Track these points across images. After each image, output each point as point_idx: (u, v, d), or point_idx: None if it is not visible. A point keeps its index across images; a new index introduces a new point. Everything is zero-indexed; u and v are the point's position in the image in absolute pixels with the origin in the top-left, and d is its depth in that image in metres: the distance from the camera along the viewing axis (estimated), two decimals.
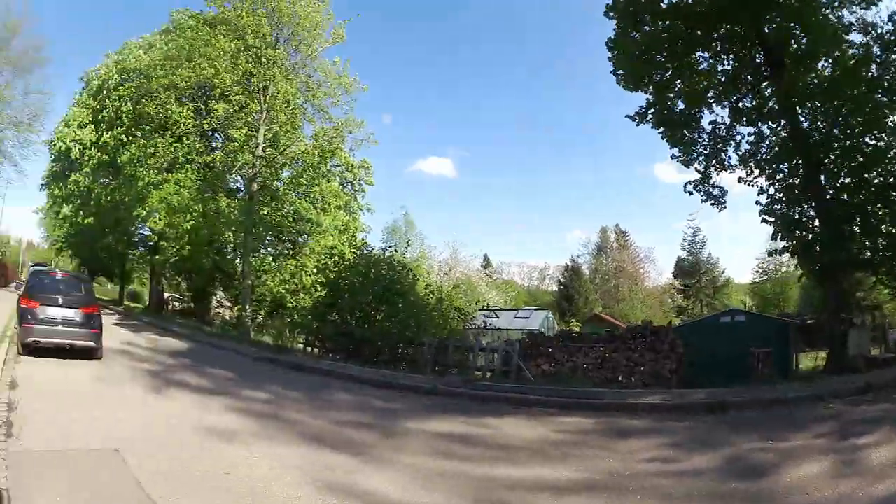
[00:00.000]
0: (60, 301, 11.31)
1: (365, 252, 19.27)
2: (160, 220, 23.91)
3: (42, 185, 32.20)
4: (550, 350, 14.11)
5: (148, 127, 24.78)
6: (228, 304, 35.38)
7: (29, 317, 11.01)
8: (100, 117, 28.49)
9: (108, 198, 28.48)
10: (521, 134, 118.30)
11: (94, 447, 5.99)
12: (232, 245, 26.24)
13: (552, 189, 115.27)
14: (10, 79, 27.41)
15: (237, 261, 28.12)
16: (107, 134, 27.25)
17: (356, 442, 7.09)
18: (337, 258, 19.68)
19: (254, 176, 22.38)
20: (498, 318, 19.35)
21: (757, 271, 52.03)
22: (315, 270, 24.78)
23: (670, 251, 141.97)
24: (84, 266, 52.07)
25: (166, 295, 39.05)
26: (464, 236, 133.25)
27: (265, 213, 23.40)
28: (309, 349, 18.64)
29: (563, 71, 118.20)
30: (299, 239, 27.54)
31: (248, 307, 22.63)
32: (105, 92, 28.44)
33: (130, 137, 25.92)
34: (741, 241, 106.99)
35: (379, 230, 47.52)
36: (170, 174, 24.28)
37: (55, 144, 29.63)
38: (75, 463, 5.39)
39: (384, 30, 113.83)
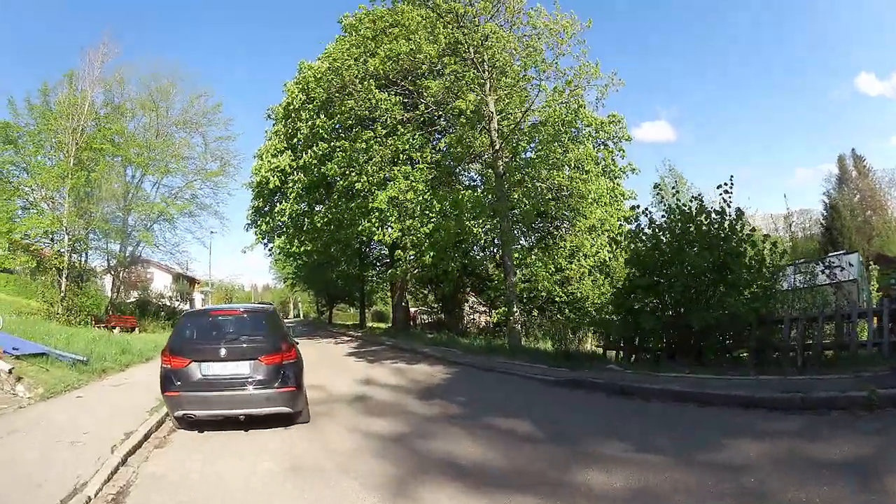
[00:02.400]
0: (223, 352, 7.11)
1: (681, 208, 12.84)
2: (392, 228, 20.61)
3: (247, 224, 30.35)
4: None
5: (351, 124, 21.65)
6: (483, 310, 31.73)
7: (175, 381, 7.00)
8: (294, 141, 26.33)
9: (325, 218, 26.14)
10: (718, 80, 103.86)
11: None
12: (482, 241, 22.19)
13: (766, 130, 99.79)
14: (185, 135, 27.43)
15: (486, 261, 24.90)
16: (306, 153, 24.87)
17: None
18: (646, 222, 13.57)
19: (496, 154, 17.75)
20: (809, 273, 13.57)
21: None
22: (603, 245, 21.07)
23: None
24: (321, 296, 54.04)
25: (412, 309, 36.77)
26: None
27: (519, 193, 19.00)
28: (608, 353, 13.63)
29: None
30: (560, 219, 22.60)
31: (514, 309, 17.60)
32: (293, 115, 26.43)
33: (334, 143, 23.32)
34: None
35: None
36: (394, 168, 20.64)
37: (252, 183, 28.20)
38: None
39: None
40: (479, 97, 17.51)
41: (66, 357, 11.95)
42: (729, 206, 11.83)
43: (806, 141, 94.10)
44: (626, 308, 12.65)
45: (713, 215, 11.90)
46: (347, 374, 12.72)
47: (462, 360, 14.95)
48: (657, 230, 12.50)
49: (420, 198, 19.29)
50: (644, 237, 12.67)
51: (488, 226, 19.28)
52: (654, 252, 12.26)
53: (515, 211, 18.65)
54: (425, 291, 34.86)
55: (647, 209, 13.14)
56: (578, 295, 21.77)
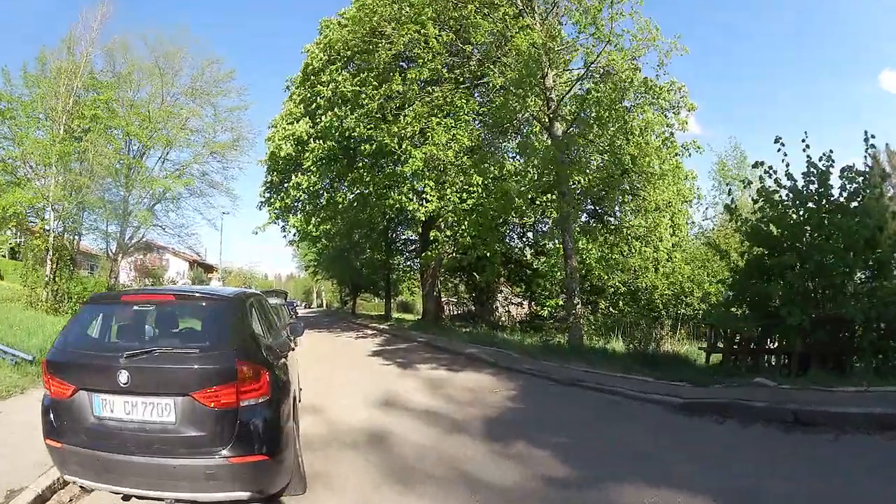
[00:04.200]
0: (124, 378, 3.51)
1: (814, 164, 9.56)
2: (430, 198, 18.07)
3: (260, 203, 27.14)
4: None
5: (382, 78, 18.69)
6: (518, 301, 29.08)
7: (55, 421, 3.71)
8: (313, 107, 23.42)
9: (348, 193, 23.37)
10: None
11: None
12: (529, 221, 19.74)
13: (798, 124, 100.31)
14: (194, 105, 24.61)
15: (526, 246, 22.99)
16: (326, 116, 21.92)
17: None
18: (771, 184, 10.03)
19: (552, 115, 14.89)
20: None
21: None
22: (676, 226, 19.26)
23: None
24: (344, 285, 51.59)
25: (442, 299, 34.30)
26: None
27: (583, 159, 16.31)
28: (711, 357, 10.60)
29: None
30: (619, 197, 19.57)
31: (576, 301, 14.50)
32: (313, 78, 23.51)
33: (360, 91, 20.49)
34: None
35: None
36: (433, 120, 17.55)
37: (265, 159, 25.40)
38: None
39: None
40: (533, 48, 14.59)
41: (10, 354, 9.29)
42: (878, 163, 8.85)
43: (830, 137, 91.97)
44: (752, 298, 9.57)
45: (855, 178, 9.00)
46: (370, 386, 9.42)
47: (523, 366, 11.32)
48: (790, 192, 9.42)
49: (461, 159, 16.57)
50: (775, 202, 9.42)
51: (544, 199, 16.46)
52: (787, 223, 9.22)
53: (579, 179, 15.62)
54: (455, 281, 32.35)
55: (770, 167, 9.91)
56: (643, 284, 18.60)
